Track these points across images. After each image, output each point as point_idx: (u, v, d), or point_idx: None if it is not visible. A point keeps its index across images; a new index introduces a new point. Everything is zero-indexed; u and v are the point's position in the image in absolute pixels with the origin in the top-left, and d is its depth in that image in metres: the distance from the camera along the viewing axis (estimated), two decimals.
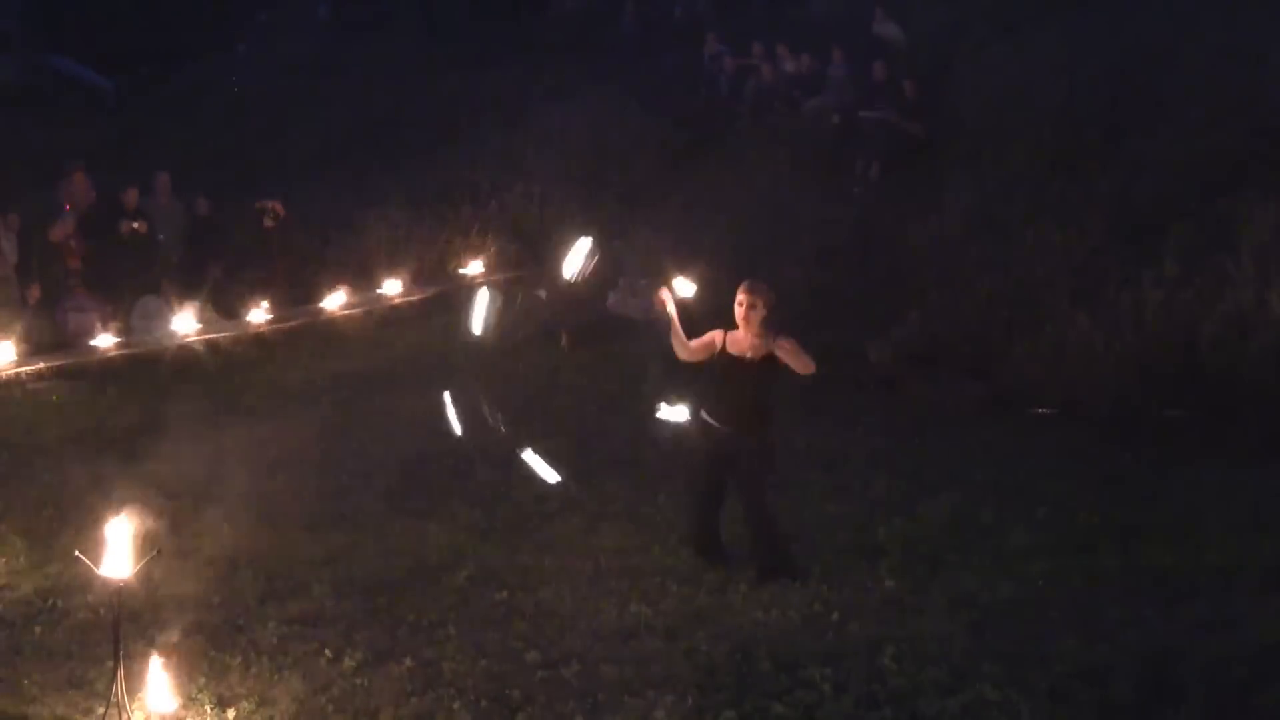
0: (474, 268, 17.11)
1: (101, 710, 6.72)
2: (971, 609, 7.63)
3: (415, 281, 17.11)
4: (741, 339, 8.27)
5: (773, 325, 8.21)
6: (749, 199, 16.74)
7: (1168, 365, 11.15)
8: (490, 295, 9.58)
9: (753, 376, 8.24)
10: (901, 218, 15.20)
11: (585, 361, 14.09)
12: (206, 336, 15.35)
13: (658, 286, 8.45)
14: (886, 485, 9.98)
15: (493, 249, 17.46)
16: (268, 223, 16.93)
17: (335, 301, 16.25)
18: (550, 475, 9.12)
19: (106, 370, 14.37)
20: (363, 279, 16.97)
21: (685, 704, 6.62)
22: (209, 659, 7.36)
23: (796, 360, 8.14)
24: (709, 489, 8.53)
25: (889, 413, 11.68)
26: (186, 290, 16.54)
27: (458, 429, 9.34)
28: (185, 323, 15.49)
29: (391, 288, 16.76)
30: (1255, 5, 15.89)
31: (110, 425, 12.55)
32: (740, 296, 8.22)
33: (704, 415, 8.40)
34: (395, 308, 16.50)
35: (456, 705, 6.76)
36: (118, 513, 6.83)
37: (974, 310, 12.67)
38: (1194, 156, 13.67)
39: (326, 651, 7.43)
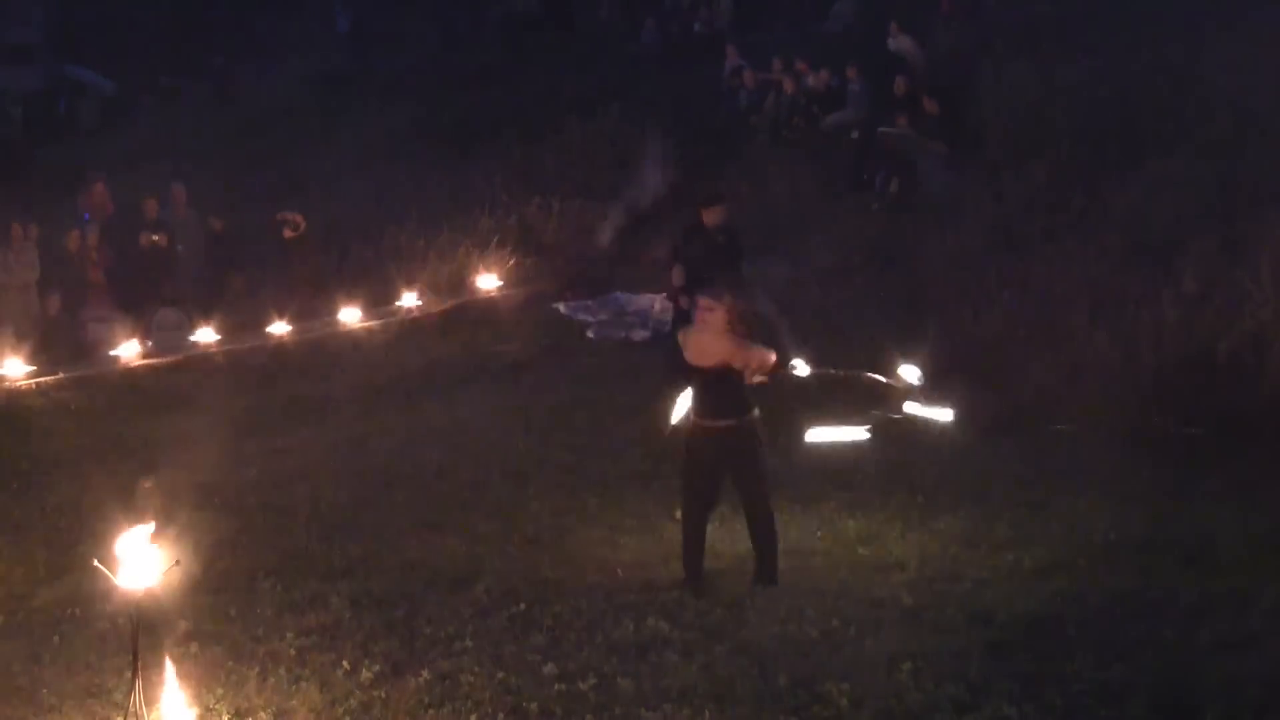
0: (490, 281, 17.13)
1: None
2: (989, 626, 7.60)
3: (433, 294, 17.12)
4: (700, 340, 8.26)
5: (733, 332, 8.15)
6: (767, 213, 16.77)
7: (1186, 383, 11.11)
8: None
9: (707, 375, 8.20)
10: (920, 233, 15.21)
11: (605, 374, 14.08)
12: (226, 348, 15.40)
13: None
14: (903, 501, 9.96)
15: (510, 262, 17.49)
16: (288, 234, 16.97)
17: (353, 313, 16.28)
18: None
19: (126, 381, 14.41)
20: (381, 291, 17.00)
21: (702, 719, 6.61)
22: (226, 670, 7.38)
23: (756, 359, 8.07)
24: (699, 494, 8.46)
25: (906, 427, 11.64)
26: (206, 301, 16.61)
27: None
28: (204, 334, 15.54)
29: (409, 300, 16.78)
30: (1275, 24, 15.86)
31: (129, 436, 12.61)
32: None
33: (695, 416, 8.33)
34: (413, 320, 16.52)
35: (473, 718, 6.74)
36: (136, 523, 6.84)
37: (992, 327, 12.65)
38: (1213, 174, 13.66)
39: (344, 663, 7.43)
